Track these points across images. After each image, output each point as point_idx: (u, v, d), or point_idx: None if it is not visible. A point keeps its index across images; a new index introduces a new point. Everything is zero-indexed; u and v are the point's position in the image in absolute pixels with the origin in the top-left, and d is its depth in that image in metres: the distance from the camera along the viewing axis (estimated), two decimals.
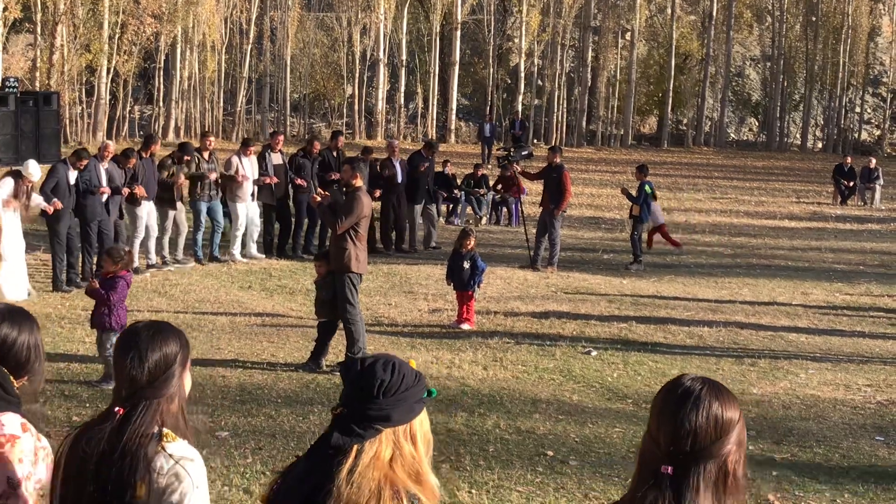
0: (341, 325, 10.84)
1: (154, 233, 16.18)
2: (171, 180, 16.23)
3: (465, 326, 12.92)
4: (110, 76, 41.01)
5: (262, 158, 17.70)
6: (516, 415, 9.29)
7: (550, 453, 8.22)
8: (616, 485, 7.63)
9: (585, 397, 10.04)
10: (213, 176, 16.88)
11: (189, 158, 16.61)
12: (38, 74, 37.48)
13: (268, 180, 17.43)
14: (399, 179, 19.15)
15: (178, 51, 43.89)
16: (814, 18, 57.13)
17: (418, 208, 19.58)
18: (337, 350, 11.10)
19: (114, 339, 9.83)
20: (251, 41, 47.85)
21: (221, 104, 47.94)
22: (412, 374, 2.81)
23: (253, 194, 17.49)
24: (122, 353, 3.27)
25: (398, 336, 12.40)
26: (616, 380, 10.72)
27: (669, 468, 2.47)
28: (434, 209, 20.28)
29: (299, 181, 17.84)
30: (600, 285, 16.44)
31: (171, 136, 41.40)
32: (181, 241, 16.87)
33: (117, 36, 40.47)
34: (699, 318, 13.99)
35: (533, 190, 24.27)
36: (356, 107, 49.16)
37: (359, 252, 10.67)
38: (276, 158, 17.85)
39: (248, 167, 17.32)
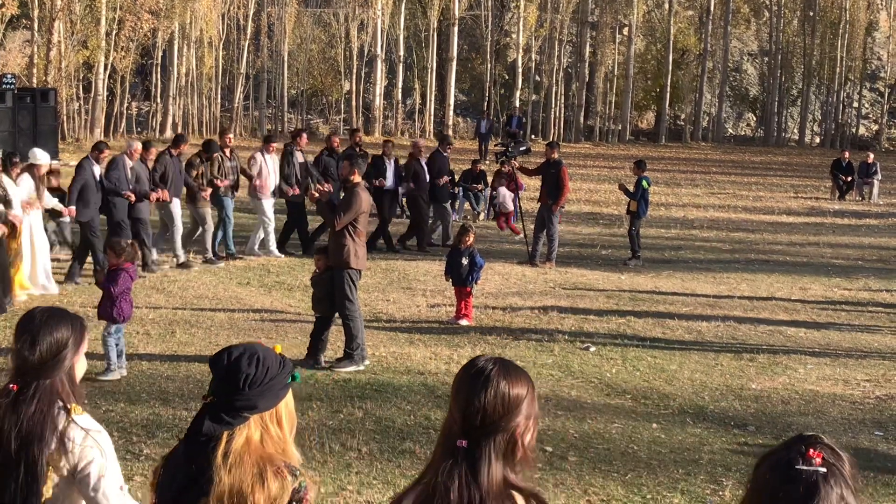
0: (338, 321, 10.84)
1: (179, 230, 16.36)
2: (196, 186, 16.47)
3: (464, 322, 12.92)
4: (108, 72, 40.93)
5: (287, 156, 17.83)
6: None
7: (549, 449, 8.21)
8: (615, 480, 7.63)
9: (584, 393, 10.04)
10: (227, 183, 16.95)
11: (215, 156, 16.83)
12: (35, 71, 37.37)
13: (290, 192, 17.58)
14: (427, 178, 19.29)
15: (176, 47, 43.82)
16: (811, 13, 57.14)
17: (446, 205, 19.80)
18: (335, 346, 11.10)
19: (113, 331, 9.94)
20: (248, 37, 47.81)
21: (219, 100, 47.90)
22: (276, 362, 3.01)
23: (274, 192, 17.64)
24: (17, 335, 3.54)
25: (396, 332, 12.39)
26: (615, 375, 10.72)
27: (464, 442, 2.71)
28: (449, 206, 20.45)
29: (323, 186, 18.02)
30: (598, 281, 16.44)
31: (168, 133, 41.31)
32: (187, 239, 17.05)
33: (114, 32, 40.39)
34: (698, 313, 13.99)
35: (531, 186, 24.26)
36: (354, 103, 49.10)
37: (358, 248, 10.68)
38: (299, 157, 17.99)
39: (269, 164, 17.48)
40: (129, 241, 10.58)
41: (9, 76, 28.94)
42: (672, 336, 12.65)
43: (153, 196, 15.54)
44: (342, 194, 11.58)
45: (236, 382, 2.92)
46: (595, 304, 14.42)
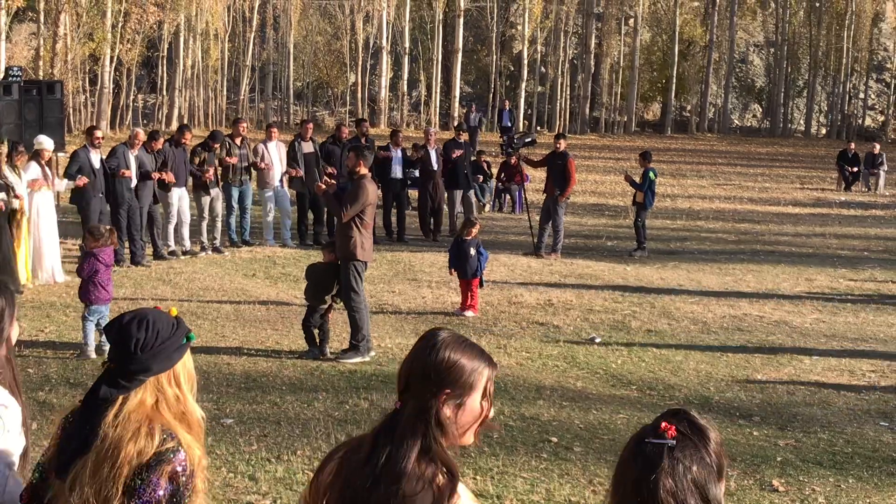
0: (344, 312, 10.87)
1: (186, 219, 16.51)
2: (198, 172, 16.52)
3: (469, 314, 12.94)
4: (113, 65, 40.97)
5: (292, 148, 17.89)
6: (520, 401, 9.31)
7: (555, 440, 8.24)
8: None
9: (589, 384, 10.06)
10: (233, 160, 17.03)
11: (219, 146, 16.93)
12: (41, 63, 37.45)
13: (294, 173, 17.62)
14: (434, 167, 19.27)
15: (182, 39, 43.85)
16: (817, 4, 56.98)
17: (458, 194, 19.71)
18: (341, 337, 11.12)
19: (88, 313, 10.39)
20: (254, 29, 47.82)
21: (225, 93, 47.93)
22: (168, 325, 3.06)
23: (282, 181, 17.69)
24: None
25: (402, 323, 12.41)
26: (620, 366, 10.73)
27: (399, 403, 2.77)
28: (472, 196, 20.44)
29: (330, 170, 17.93)
30: (604, 272, 16.45)
31: (174, 125, 41.34)
32: (215, 227, 17.22)
33: (120, 24, 40.44)
34: (703, 304, 14.00)
35: (536, 177, 24.26)
36: (359, 95, 49.11)
37: (364, 240, 10.70)
38: (306, 147, 18.05)
39: (273, 151, 17.55)
40: (108, 227, 10.82)
41: (15, 69, 28.97)
42: (677, 327, 12.66)
43: (155, 175, 15.61)
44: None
45: (128, 347, 2.98)
46: (600, 296, 14.43)
